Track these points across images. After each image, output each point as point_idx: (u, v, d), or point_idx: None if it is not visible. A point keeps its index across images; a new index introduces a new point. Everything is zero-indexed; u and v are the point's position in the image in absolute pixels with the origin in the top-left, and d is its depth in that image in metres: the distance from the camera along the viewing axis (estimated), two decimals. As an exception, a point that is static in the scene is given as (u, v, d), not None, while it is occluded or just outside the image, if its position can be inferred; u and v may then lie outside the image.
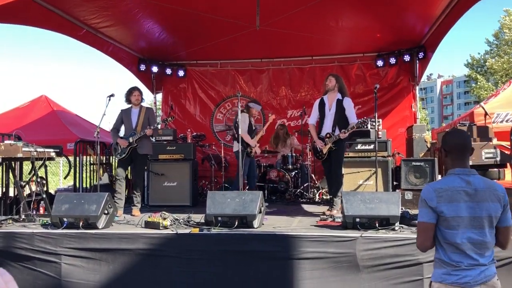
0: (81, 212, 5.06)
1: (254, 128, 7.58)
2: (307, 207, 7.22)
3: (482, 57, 35.74)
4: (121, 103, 6.77)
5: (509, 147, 5.50)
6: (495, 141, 5.32)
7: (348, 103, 6.12)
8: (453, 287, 2.48)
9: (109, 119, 7.53)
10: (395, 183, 7.22)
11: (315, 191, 8.45)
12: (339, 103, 6.11)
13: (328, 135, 6.06)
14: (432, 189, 2.53)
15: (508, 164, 5.26)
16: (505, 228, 2.55)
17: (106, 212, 5.18)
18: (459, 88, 75.57)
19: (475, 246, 2.48)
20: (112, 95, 6.20)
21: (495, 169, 5.18)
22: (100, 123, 6.11)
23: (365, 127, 5.94)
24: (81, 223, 5.01)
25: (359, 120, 5.97)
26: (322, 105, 6.26)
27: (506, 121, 6.82)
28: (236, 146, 6.95)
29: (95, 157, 8.19)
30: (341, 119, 6.08)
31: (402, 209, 5.36)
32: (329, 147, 6.03)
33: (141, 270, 4.80)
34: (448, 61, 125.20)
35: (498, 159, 5.04)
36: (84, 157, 8.01)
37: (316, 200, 8.14)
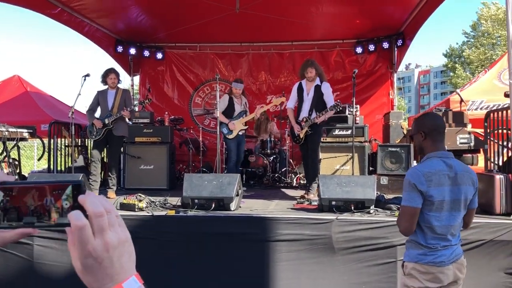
0: (55, 193, 4.95)
1: (242, 109, 7.19)
2: (284, 192, 7.26)
3: (460, 47, 36.35)
4: (98, 84, 6.64)
5: (483, 134, 5.61)
6: (469, 127, 5.42)
7: (326, 88, 6.20)
8: (428, 266, 2.54)
9: (84, 99, 7.34)
10: (371, 168, 7.30)
11: (293, 176, 8.48)
12: (317, 88, 6.20)
13: (304, 119, 6.13)
14: (420, 173, 2.51)
15: (481, 150, 5.37)
16: (473, 210, 2.67)
17: (80, 193, 5.08)
18: (436, 78, 76.73)
19: (453, 228, 2.56)
20: (87, 75, 6.08)
21: (469, 155, 5.28)
22: (74, 104, 5.99)
23: (338, 110, 5.95)
24: (54, 204, 4.91)
25: (332, 104, 5.99)
26: (300, 90, 6.31)
27: (481, 108, 6.95)
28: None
29: (70, 139, 8.03)
30: (318, 104, 6.15)
31: (377, 193, 5.43)
32: (305, 131, 6.09)
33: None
34: (425, 52, 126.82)
35: (472, 144, 5.14)
36: (59, 139, 7.84)
37: (294, 184, 8.17)
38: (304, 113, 6.21)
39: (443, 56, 38.88)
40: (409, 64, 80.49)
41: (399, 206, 4.07)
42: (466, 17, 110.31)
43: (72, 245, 0.74)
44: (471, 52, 32.97)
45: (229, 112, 7.13)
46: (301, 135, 6.16)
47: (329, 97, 6.18)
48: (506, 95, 4.27)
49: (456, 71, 33.51)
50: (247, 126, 7.28)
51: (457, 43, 38.28)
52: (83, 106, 9.80)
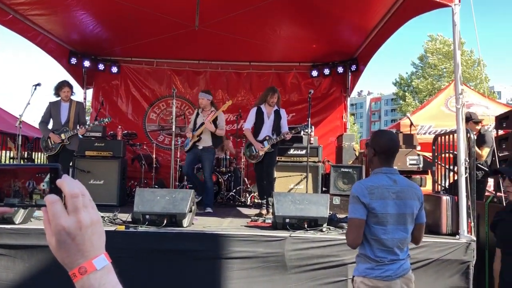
0: (-4, 206, 4.68)
1: (203, 119, 6.85)
2: (239, 210, 7.21)
3: (410, 77, 37.97)
4: (50, 95, 6.44)
5: (431, 158, 5.83)
6: (419, 149, 5.62)
7: (284, 114, 6.71)
8: (376, 281, 2.57)
9: (36, 110, 7.03)
10: (324, 188, 7.41)
11: (247, 194, 8.46)
12: (277, 112, 6.60)
13: (267, 137, 6.44)
14: (364, 186, 2.60)
15: (429, 171, 5.57)
16: (421, 225, 2.74)
17: (24, 206, 4.83)
18: (386, 105, 79.55)
19: (400, 241, 2.61)
20: (38, 84, 5.89)
21: (418, 176, 5.46)
22: (23, 113, 5.75)
23: (301, 133, 6.32)
24: (-6, 218, 4.64)
25: (301, 125, 6.59)
26: (260, 113, 6.58)
27: (429, 133, 7.25)
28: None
29: (15, 151, 7.67)
30: (277, 126, 6.54)
31: (330, 212, 5.50)
32: (267, 148, 6.37)
33: (61, 268, 4.51)
34: (377, 80, 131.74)
35: (421, 165, 5.32)
36: (3, 151, 7.47)
37: (248, 203, 8.15)
38: (264, 133, 6.51)
39: (393, 85, 40.50)
40: (361, 91, 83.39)
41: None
42: (416, 47, 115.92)
43: (47, 223, 0.81)
44: (420, 82, 34.54)
45: (193, 127, 6.96)
46: (261, 153, 6.41)
47: (285, 121, 6.65)
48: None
49: (406, 99, 34.90)
50: (198, 139, 6.77)
51: (406, 73, 39.98)
52: (30, 117, 9.41)
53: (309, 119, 6.13)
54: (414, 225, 2.70)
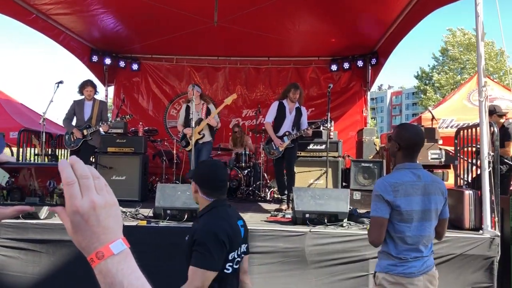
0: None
1: (199, 117, 6.75)
2: (258, 205, 7.22)
3: (430, 71, 37.30)
4: (73, 92, 6.60)
5: (453, 152, 5.74)
6: (440, 143, 5.54)
7: (304, 111, 6.69)
8: (398, 277, 2.53)
9: (59, 107, 7.19)
10: (344, 183, 7.37)
11: (267, 190, 8.47)
12: (298, 109, 6.56)
13: (287, 133, 6.39)
14: (387, 184, 2.53)
15: (451, 166, 5.48)
16: (444, 220, 2.68)
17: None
18: (407, 99, 78.53)
19: (425, 238, 2.56)
20: (60, 82, 6.00)
21: (440, 171, 5.38)
22: (46, 110, 5.87)
23: (321, 127, 6.31)
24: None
25: (321, 120, 6.54)
26: (282, 108, 6.52)
27: (451, 126, 7.12)
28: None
29: (40, 147, 7.83)
30: (298, 123, 6.52)
31: (350, 207, 5.47)
32: (287, 144, 6.32)
33: (85, 262, 4.58)
34: (398, 73, 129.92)
35: (443, 160, 5.24)
36: (28, 148, 7.62)
37: (268, 198, 8.15)
38: (285, 129, 6.47)
39: (414, 78, 39.88)
40: (382, 85, 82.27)
41: (371, 219, 4.10)
42: (437, 40, 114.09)
43: (63, 211, 0.81)
44: (440, 77, 33.89)
45: (186, 123, 6.86)
46: (281, 149, 6.36)
47: (305, 119, 6.63)
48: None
49: (427, 93, 34.34)
50: (202, 135, 6.78)
51: (428, 65, 39.28)
52: (53, 114, 9.58)
53: (329, 114, 6.09)
54: (437, 220, 2.65)
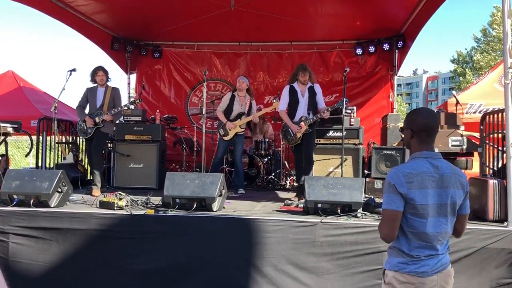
0: (32, 189, 4.82)
1: (242, 110, 7.01)
2: (276, 193, 7.07)
3: (468, 52, 35.83)
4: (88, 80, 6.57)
5: (478, 138, 5.40)
6: (462, 129, 5.20)
7: (318, 89, 6.30)
8: (409, 276, 2.32)
9: (76, 95, 7.18)
10: (366, 171, 7.11)
11: (287, 178, 8.29)
12: (311, 89, 6.23)
13: (303, 118, 6.11)
14: (401, 174, 2.29)
15: (475, 153, 5.15)
16: (464, 216, 2.43)
17: (59, 190, 4.95)
18: (444, 84, 76.05)
19: (441, 235, 2.33)
20: (73, 70, 5.98)
21: (463, 159, 5.06)
22: (58, 97, 5.87)
23: (339, 111, 5.98)
24: (32, 201, 4.78)
25: (338, 102, 6.08)
26: (293, 92, 6.26)
27: (479, 112, 6.71)
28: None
29: (60, 136, 7.90)
30: (313, 104, 6.21)
31: (367, 196, 5.24)
32: (304, 129, 6.06)
33: (94, 251, 4.60)
34: (434, 57, 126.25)
35: (464, 147, 4.92)
36: (48, 137, 7.69)
37: (287, 187, 7.97)
38: (300, 114, 6.19)
39: (450, 62, 38.47)
40: (417, 69, 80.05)
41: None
42: (474, 22, 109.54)
43: None
44: (482, 57, 32.41)
45: (227, 111, 7.04)
46: (299, 135, 6.11)
47: (321, 98, 6.27)
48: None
49: (466, 76, 32.98)
50: (243, 129, 7.09)
51: (465, 48, 37.78)
52: (74, 103, 9.64)
53: (344, 98, 5.80)
54: (456, 216, 2.40)
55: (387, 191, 2.31)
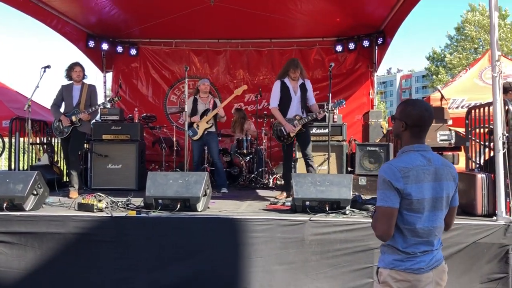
0: (5, 192, 4.57)
1: (206, 108, 6.97)
2: (259, 192, 6.93)
3: (442, 51, 36.44)
4: (62, 77, 6.30)
5: (464, 133, 5.38)
6: (450, 123, 5.18)
7: (309, 85, 6.10)
8: (405, 274, 2.23)
9: (49, 94, 6.90)
10: (349, 168, 7.05)
11: (270, 176, 8.18)
12: (303, 86, 6.03)
13: (298, 117, 5.85)
14: (396, 169, 2.19)
15: (462, 148, 5.13)
16: (454, 209, 2.38)
17: (34, 192, 4.71)
18: (417, 82, 77.44)
19: (436, 229, 2.27)
20: (47, 67, 5.72)
21: (450, 153, 5.03)
22: (32, 95, 5.61)
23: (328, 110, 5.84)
24: (5, 204, 4.53)
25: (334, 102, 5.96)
26: (285, 88, 5.98)
27: (462, 107, 6.73)
28: None
29: (34, 136, 7.60)
30: (305, 101, 6.01)
31: (354, 194, 5.16)
32: (299, 129, 5.84)
33: (72, 256, 4.37)
34: (407, 56, 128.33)
35: (453, 141, 4.89)
36: (22, 138, 7.37)
37: (270, 185, 7.86)
38: (293, 111, 5.92)
39: (425, 60, 38.96)
40: (390, 68, 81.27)
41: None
42: (448, 21, 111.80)
43: None
44: (453, 57, 33.03)
45: (192, 114, 6.93)
46: (292, 134, 5.87)
47: (311, 94, 6.09)
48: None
49: (439, 75, 33.51)
50: (211, 124, 6.93)
51: (439, 46, 38.40)
52: (46, 98, 9.31)
53: (330, 94, 5.67)
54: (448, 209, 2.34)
55: (382, 188, 2.21)
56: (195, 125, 6.90)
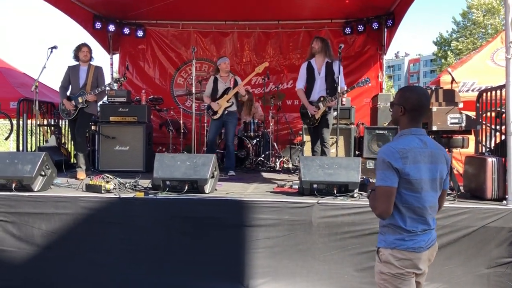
0: (14, 173, 4.57)
1: (226, 86, 6.86)
2: (266, 175, 6.92)
3: (450, 36, 36.04)
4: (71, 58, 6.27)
5: (475, 117, 5.31)
6: (461, 106, 5.10)
7: (337, 67, 5.68)
8: (407, 253, 2.36)
9: (56, 75, 6.88)
10: (357, 152, 7.01)
11: (277, 159, 8.15)
12: (329, 66, 5.80)
13: (322, 98, 5.72)
14: (395, 150, 2.32)
15: (473, 131, 5.06)
16: (445, 191, 2.55)
17: (42, 173, 4.71)
18: (426, 67, 76.53)
19: (432, 209, 2.41)
20: (54, 47, 5.68)
21: (459, 137, 4.97)
22: (39, 76, 5.59)
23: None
24: (13, 185, 4.54)
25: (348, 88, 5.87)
26: (310, 69, 5.87)
27: (472, 90, 6.63)
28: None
29: (42, 118, 7.61)
30: (332, 83, 5.74)
31: (363, 177, 5.12)
32: (322, 110, 5.70)
33: (80, 236, 4.39)
34: (415, 40, 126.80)
35: (463, 124, 4.83)
36: (29, 120, 7.38)
37: (277, 168, 7.85)
38: (316, 93, 5.79)
39: (433, 45, 38.58)
40: (398, 52, 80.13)
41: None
42: (457, 4, 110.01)
43: None
44: (459, 42, 32.69)
45: (213, 94, 6.89)
46: (317, 116, 5.74)
47: (342, 77, 5.74)
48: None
49: (448, 59, 33.18)
50: (231, 103, 6.82)
51: (446, 31, 37.92)
52: (53, 80, 9.31)
53: (340, 77, 5.59)
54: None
55: (381, 168, 2.35)
56: (215, 105, 6.78)
